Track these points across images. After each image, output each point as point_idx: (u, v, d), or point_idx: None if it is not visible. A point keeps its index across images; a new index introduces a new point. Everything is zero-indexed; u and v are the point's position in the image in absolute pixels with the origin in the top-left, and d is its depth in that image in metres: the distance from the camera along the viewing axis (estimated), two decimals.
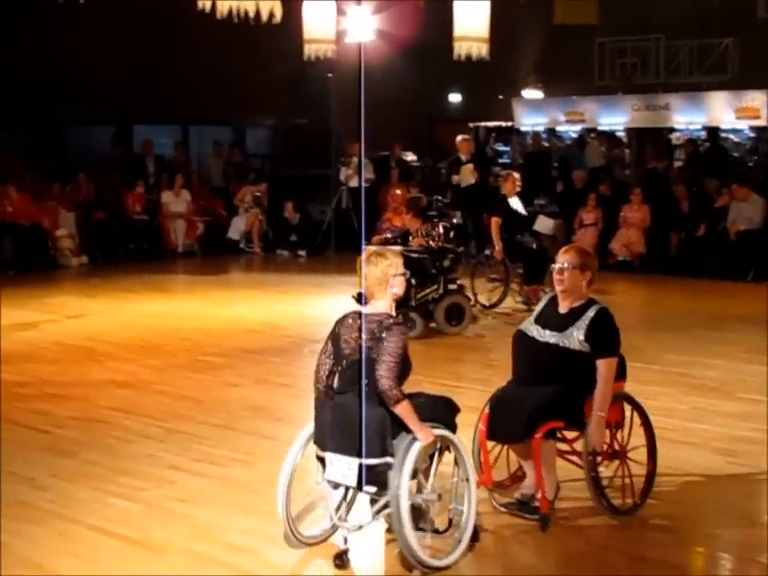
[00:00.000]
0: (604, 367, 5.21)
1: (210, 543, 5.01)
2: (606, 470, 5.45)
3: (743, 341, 10.46)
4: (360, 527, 4.75)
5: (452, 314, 10.55)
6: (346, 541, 4.75)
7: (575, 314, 5.31)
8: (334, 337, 4.82)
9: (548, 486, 5.23)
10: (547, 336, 5.30)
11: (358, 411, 4.52)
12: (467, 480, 4.76)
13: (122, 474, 6.00)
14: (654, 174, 17.01)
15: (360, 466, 4.52)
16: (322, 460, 4.75)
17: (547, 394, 5.14)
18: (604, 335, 5.27)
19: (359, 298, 4.91)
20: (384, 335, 4.62)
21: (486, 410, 5.33)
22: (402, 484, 4.47)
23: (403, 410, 4.54)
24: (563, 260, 5.39)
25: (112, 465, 6.19)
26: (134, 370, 8.80)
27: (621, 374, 5.43)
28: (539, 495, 5.17)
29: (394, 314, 4.80)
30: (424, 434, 4.57)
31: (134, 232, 16.68)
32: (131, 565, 4.76)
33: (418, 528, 4.63)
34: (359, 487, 4.58)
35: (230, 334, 10.52)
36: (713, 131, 17.82)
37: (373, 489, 4.60)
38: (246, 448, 6.51)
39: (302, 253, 17.44)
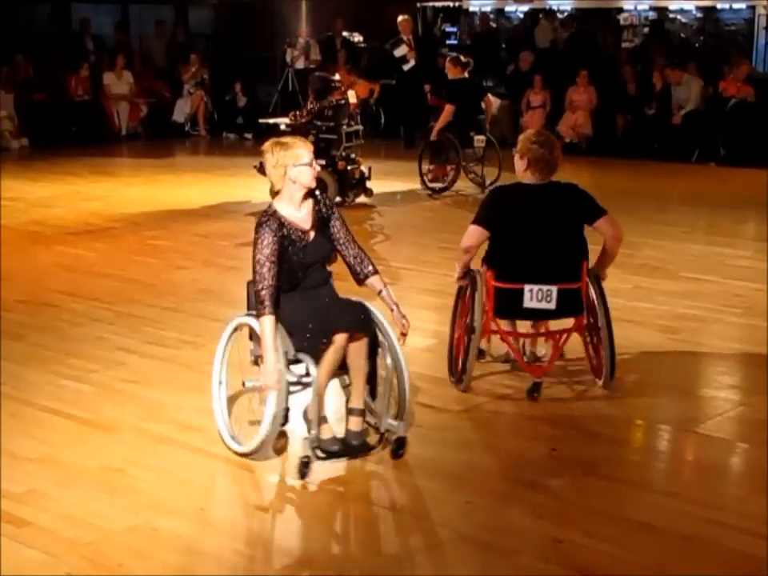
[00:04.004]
0: None
1: (161, 422, 5.07)
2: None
3: (686, 221, 10.64)
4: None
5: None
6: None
7: None
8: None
9: None
10: None
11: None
12: None
13: (72, 357, 6.03)
14: (602, 55, 16.89)
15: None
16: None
17: None
18: None
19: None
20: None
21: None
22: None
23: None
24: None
25: (62, 347, 6.21)
26: (81, 254, 8.75)
27: None
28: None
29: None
30: None
31: (76, 114, 16.31)
32: (84, 444, 4.81)
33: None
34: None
35: (178, 218, 10.45)
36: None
37: None
38: (195, 330, 6.54)
39: (249, 135, 17.22)
